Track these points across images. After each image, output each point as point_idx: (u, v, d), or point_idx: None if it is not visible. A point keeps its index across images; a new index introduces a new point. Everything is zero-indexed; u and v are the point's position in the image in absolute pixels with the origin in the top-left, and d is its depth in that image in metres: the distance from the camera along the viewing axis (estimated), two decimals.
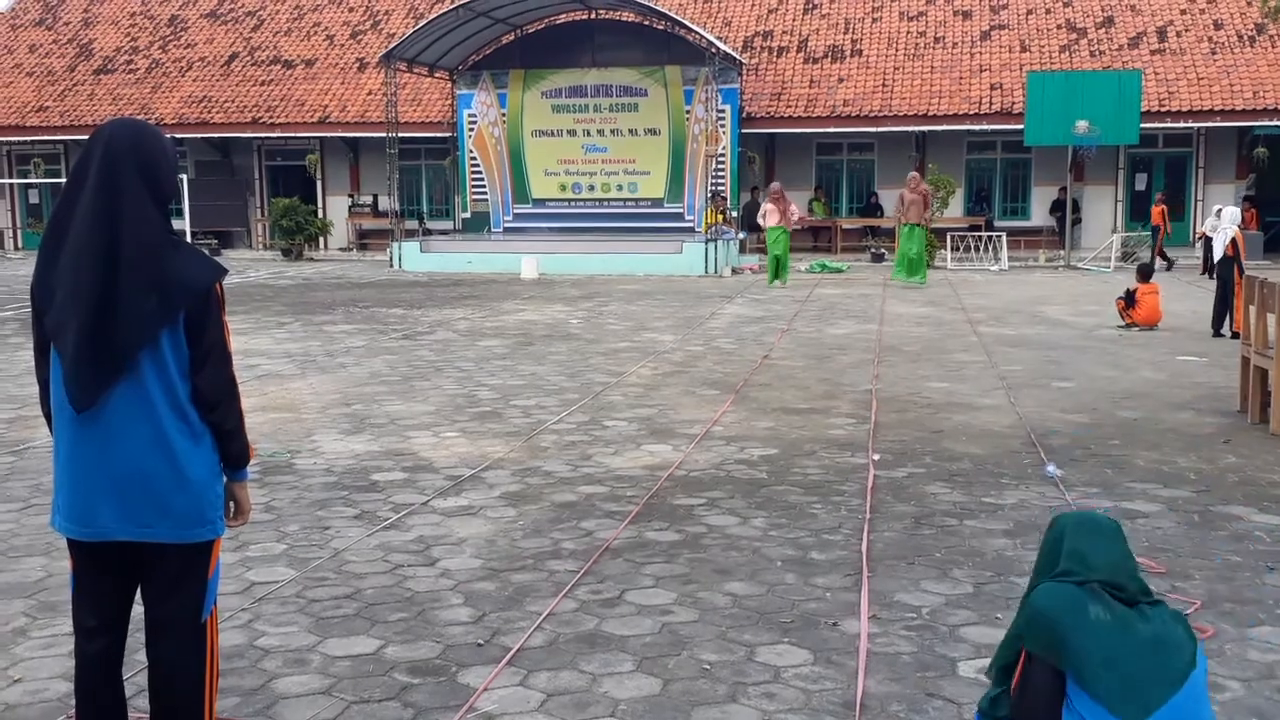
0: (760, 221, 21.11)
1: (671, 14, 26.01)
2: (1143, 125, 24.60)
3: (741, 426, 8.29)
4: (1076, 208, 27.24)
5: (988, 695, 3.04)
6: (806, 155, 29.81)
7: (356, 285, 20.98)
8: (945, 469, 7.02)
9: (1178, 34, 28.20)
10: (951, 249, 25.42)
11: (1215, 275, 14.06)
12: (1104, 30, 28.73)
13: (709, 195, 25.83)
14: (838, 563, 5.27)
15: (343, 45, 32.02)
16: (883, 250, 26.29)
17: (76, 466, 3.00)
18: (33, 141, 31.60)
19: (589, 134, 27.75)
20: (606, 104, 27.57)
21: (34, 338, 3.09)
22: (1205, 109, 26.19)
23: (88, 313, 2.90)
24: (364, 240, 30.87)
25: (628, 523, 5.88)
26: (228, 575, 4.97)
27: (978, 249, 25.66)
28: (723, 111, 26.68)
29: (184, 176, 28.86)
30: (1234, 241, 13.79)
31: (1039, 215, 28.93)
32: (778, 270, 20.26)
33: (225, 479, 3.15)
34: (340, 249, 30.72)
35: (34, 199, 33.27)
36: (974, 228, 27.13)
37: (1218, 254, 14.03)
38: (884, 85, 28.11)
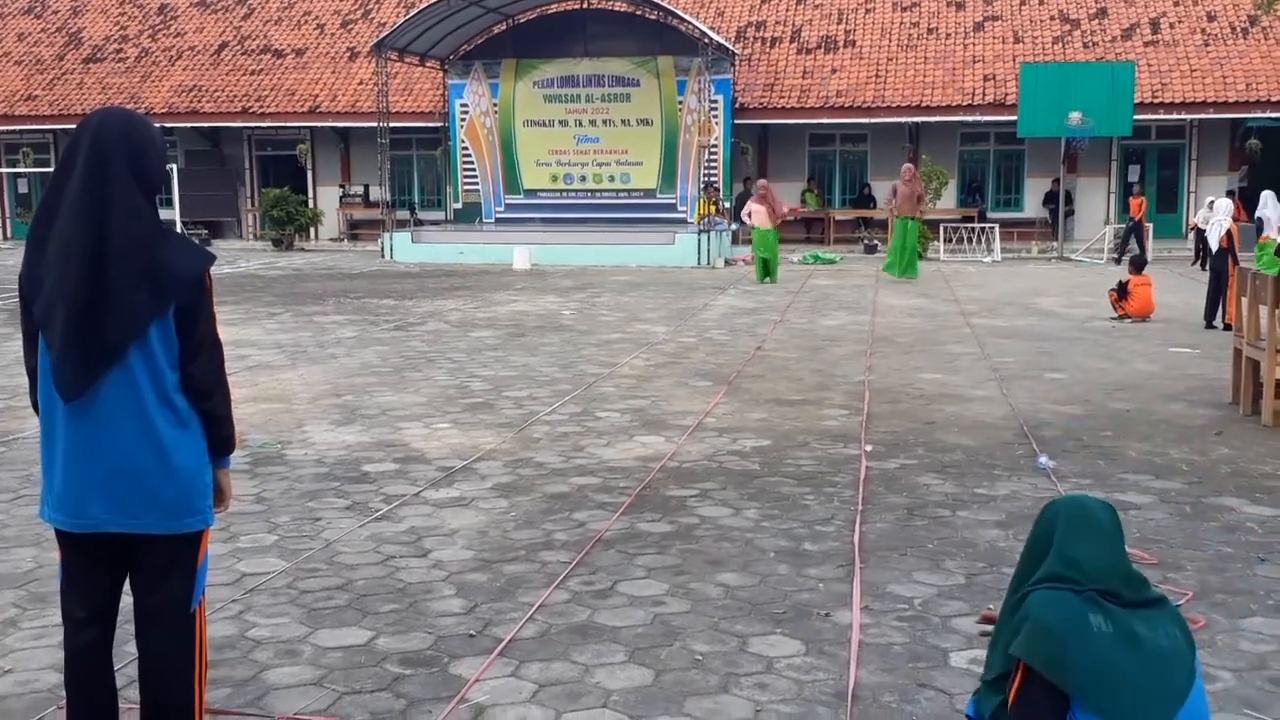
0: (746, 220, 19.95)
1: (664, 4, 25.94)
2: (1136, 117, 24.58)
3: (734, 418, 8.29)
4: (1069, 199, 27.26)
5: (984, 703, 2.91)
6: (799, 146, 29.78)
7: (347, 276, 20.93)
8: (938, 460, 7.02)
9: (1171, 26, 28.22)
10: (944, 240, 25.43)
11: (1209, 267, 14.07)
12: (1097, 22, 28.74)
13: (701, 186, 25.80)
14: (830, 554, 5.27)
15: (333, 34, 31.90)
16: (876, 242, 26.29)
17: (66, 458, 2.99)
18: (21, 131, 31.45)
19: (581, 124, 27.69)
20: (599, 94, 27.51)
21: (22, 328, 3.07)
22: (1198, 101, 26.22)
23: (76, 303, 2.88)
24: (355, 231, 30.79)
25: (620, 514, 5.87)
26: (219, 566, 4.95)
27: (970, 240, 25.68)
28: (715, 102, 26.64)
29: (174, 166, 28.74)
30: (1229, 233, 13.81)
31: (1032, 207, 28.95)
32: (766, 271, 19.26)
33: (212, 467, 3.14)
34: (331, 239, 30.63)
35: (23, 188, 33.11)
36: (967, 219, 27.14)
37: (1213, 246, 14.04)
38: (877, 76, 28.09)
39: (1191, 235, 23.22)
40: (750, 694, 3.84)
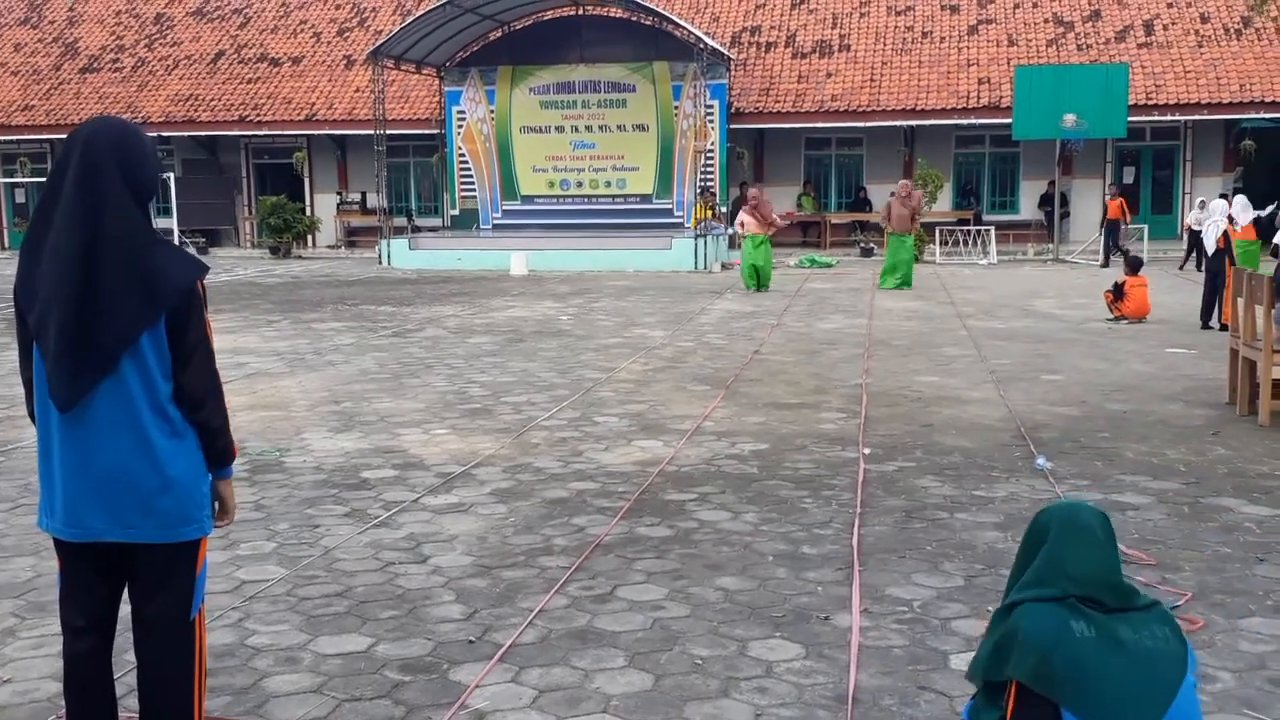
0: (739, 230, 19.04)
1: (659, 9, 26.00)
2: (1130, 119, 24.65)
3: (732, 422, 8.29)
4: (1065, 201, 27.30)
5: (982, 716, 2.89)
6: (795, 150, 29.82)
7: (345, 283, 20.93)
8: (936, 462, 7.02)
9: (1164, 27, 28.27)
10: (940, 243, 25.46)
11: (1205, 268, 14.09)
12: (1091, 24, 28.79)
13: (698, 191, 25.83)
14: (829, 557, 5.27)
15: (329, 42, 31.94)
16: (872, 245, 26.30)
17: (62, 467, 2.99)
18: (18, 141, 31.46)
19: (577, 130, 27.72)
20: (595, 100, 27.54)
21: (18, 339, 3.07)
22: (1192, 102, 26.28)
23: (69, 312, 2.88)
24: (352, 238, 30.80)
25: (619, 519, 5.87)
26: (218, 574, 4.95)
27: (966, 243, 25.70)
28: (711, 107, 26.67)
29: (171, 175, 28.77)
30: (1225, 234, 13.83)
31: (1027, 209, 29.00)
32: (757, 280, 18.36)
33: (210, 477, 3.13)
34: (328, 247, 30.65)
35: (20, 199, 33.12)
36: (962, 222, 27.18)
37: (1209, 247, 14.05)
38: (872, 80, 28.13)
39: (1186, 236, 23.22)
40: (750, 698, 3.84)
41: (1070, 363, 10.86)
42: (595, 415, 8.55)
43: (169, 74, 31.52)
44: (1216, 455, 7.19)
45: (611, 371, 10.57)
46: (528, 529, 5.73)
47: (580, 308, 16.15)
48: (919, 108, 27.27)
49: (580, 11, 27.24)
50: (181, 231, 27.87)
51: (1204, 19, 28.27)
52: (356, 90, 29.86)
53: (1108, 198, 24.30)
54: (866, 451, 7.28)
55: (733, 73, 28.07)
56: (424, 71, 27.95)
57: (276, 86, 30.67)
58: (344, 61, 31.12)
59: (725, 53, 27.50)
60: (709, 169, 26.73)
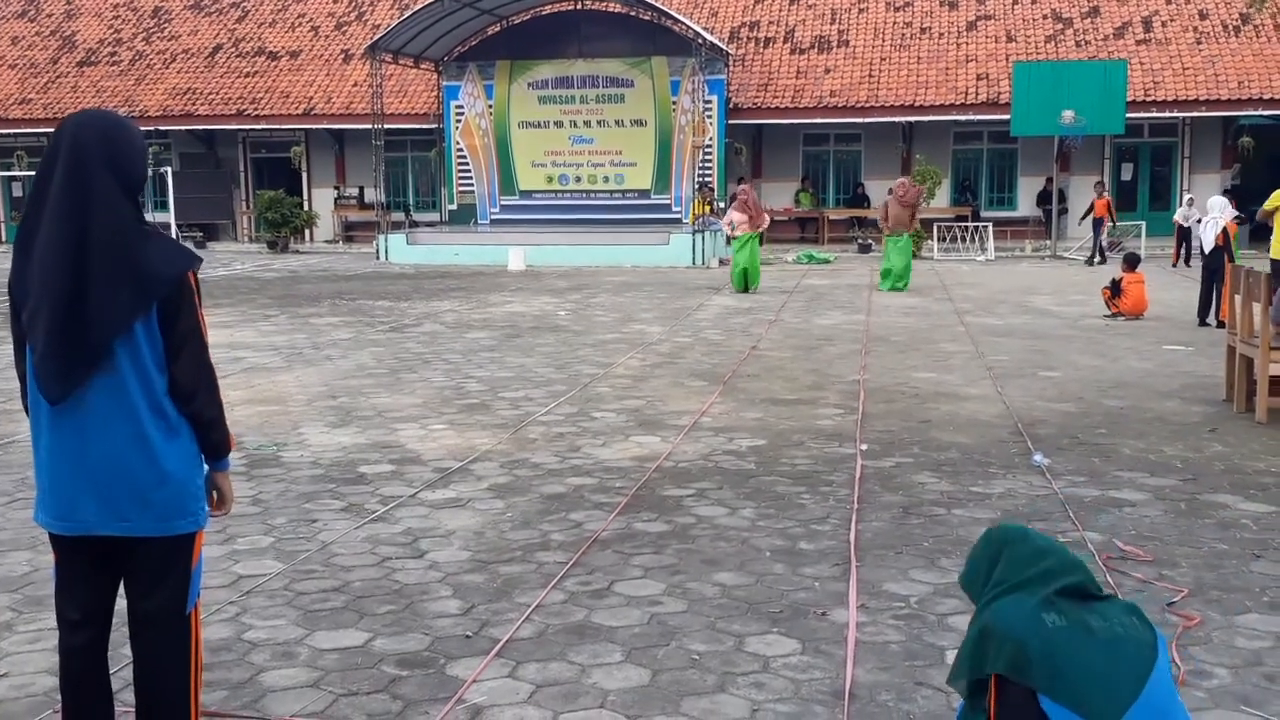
0: (728, 230, 18.27)
1: (658, 5, 25.96)
2: (1128, 115, 24.65)
3: (730, 417, 8.29)
4: (1063, 198, 27.30)
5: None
6: (793, 146, 29.80)
7: (343, 277, 20.91)
8: (933, 458, 7.03)
9: (1163, 24, 28.27)
10: (938, 239, 25.46)
11: (1203, 265, 14.09)
12: (1089, 20, 28.78)
13: (696, 186, 25.82)
14: (826, 552, 5.28)
15: (327, 36, 31.88)
16: (870, 241, 26.30)
17: (56, 461, 2.98)
18: (16, 134, 31.38)
19: (576, 125, 27.70)
20: (593, 95, 27.51)
21: (13, 334, 3.07)
22: (1190, 99, 26.27)
23: (59, 304, 2.88)
24: (350, 232, 30.77)
25: (616, 514, 5.87)
26: (215, 568, 4.95)
27: (964, 239, 25.70)
28: (709, 102, 26.65)
29: (168, 169, 28.73)
30: (1225, 231, 13.83)
31: (1025, 205, 29.00)
32: (745, 282, 17.48)
33: (207, 469, 3.13)
34: (326, 241, 30.60)
35: (17, 192, 33.06)
36: (960, 218, 27.18)
37: (1208, 244, 14.04)
38: (870, 76, 28.12)
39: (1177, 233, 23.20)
40: (747, 693, 3.84)
41: (1068, 359, 10.87)
42: (593, 410, 8.55)
43: (166, 68, 31.46)
44: (1213, 452, 7.19)
45: (609, 367, 10.56)
46: (525, 524, 5.74)
47: (578, 303, 16.14)
48: (917, 104, 27.26)
49: (579, 6, 27.20)
50: (179, 225, 27.83)
51: (1202, 16, 28.26)
52: (354, 84, 29.82)
53: (1095, 196, 24.31)
54: (864, 447, 7.28)
55: (731, 68, 28.04)
56: (422, 66, 27.91)
57: (274, 80, 30.62)
58: (342, 55, 31.07)
59: (724, 48, 27.47)
60: (707, 164, 26.72)
